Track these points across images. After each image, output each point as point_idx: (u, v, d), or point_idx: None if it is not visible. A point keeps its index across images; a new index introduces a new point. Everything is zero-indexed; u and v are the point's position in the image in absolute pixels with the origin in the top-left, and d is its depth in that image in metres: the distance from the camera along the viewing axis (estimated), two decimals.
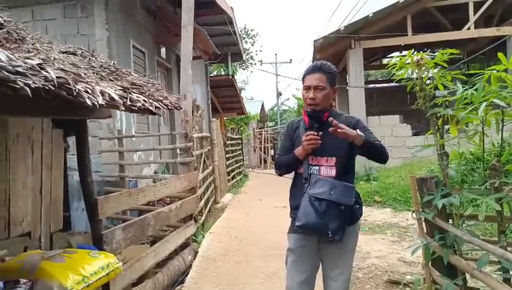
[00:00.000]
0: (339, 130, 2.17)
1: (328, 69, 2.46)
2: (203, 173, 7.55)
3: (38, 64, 1.55)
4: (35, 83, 1.43)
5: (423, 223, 2.76)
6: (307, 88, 2.44)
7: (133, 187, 6.50)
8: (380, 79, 21.66)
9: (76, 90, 1.69)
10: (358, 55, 11.20)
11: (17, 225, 3.47)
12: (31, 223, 3.59)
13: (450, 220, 2.50)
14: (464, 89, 2.24)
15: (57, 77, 1.57)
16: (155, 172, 8.10)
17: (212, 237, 6.19)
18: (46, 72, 1.54)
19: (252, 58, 29.14)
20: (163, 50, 9.28)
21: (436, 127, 2.59)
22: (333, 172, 2.40)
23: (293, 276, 2.50)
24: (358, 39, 11.05)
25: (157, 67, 9.01)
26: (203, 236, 6.13)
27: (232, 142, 14.68)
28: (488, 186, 2.16)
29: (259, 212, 8.22)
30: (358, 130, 2.24)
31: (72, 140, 3.59)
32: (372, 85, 17.94)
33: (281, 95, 33.01)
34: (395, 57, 12.80)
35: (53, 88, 1.53)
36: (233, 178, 13.55)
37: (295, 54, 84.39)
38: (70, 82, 1.65)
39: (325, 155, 2.43)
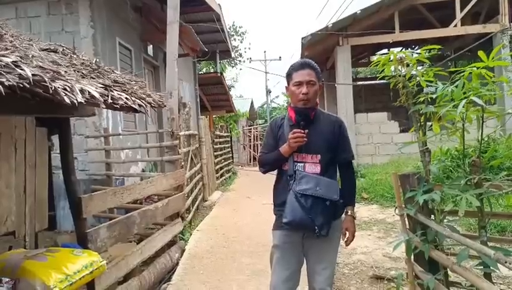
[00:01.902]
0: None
1: (314, 66, 2.52)
2: (191, 171, 7.53)
3: (13, 61, 1.53)
4: (9, 81, 1.41)
5: (406, 219, 2.79)
6: (299, 84, 2.46)
7: (120, 185, 6.46)
8: (369, 76, 21.76)
9: (53, 88, 1.67)
10: (346, 52, 11.23)
11: (1, 224, 3.42)
12: (15, 222, 3.55)
13: (432, 216, 2.53)
14: (445, 86, 2.26)
15: (32, 75, 1.56)
16: (143, 170, 8.06)
17: (200, 234, 6.18)
18: (21, 69, 1.52)
19: (240, 55, 29.04)
20: (150, 48, 9.22)
21: (419, 124, 2.61)
22: (318, 169, 2.44)
23: (279, 272, 2.52)
24: (346, 36, 11.08)
25: (144, 64, 8.95)
26: (191, 234, 6.12)
27: (220, 139, 14.65)
28: (469, 182, 2.18)
29: (248, 210, 8.24)
30: (351, 215, 2.57)
31: (56, 139, 3.55)
32: (360, 82, 18.01)
33: (270, 92, 33.05)
34: (378, 55, 12.88)
35: (28, 86, 1.52)
36: (221, 176, 13.53)
37: (284, 51, 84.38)
38: (46, 80, 1.64)
39: (310, 152, 2.47)
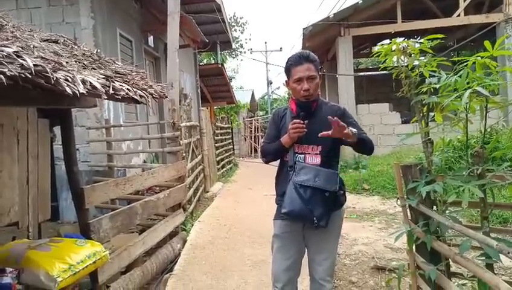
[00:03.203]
0: (341, 128, 2.20)
1: (313, 58, 2.47)
2: (192, 162, 7.53)
3: (15, 52, 1.52)
4: (11, 71, 1.40)
5: (407, 210, 2.79)
6: (299, 80, 2.43)
7: (122, 177, 6.47)
8: (371, 67, 21.69)
9: (55, 78, 1.66)
10: (348, 43, 11.18)
11: (4, 215, 3.44)
12: (18, 213, 3.57)
13: (434, 206, 2.53)
14: (449, 76, 2.24)
15: (34, 65, 1.55)
16: (144, 161, 8.07)
17: (201, 225, 6.20)
18: (22, 60, 1.51)
19: (241, 46, 28.96)
20: (151, 39, 9.19)
21: (421, 115, 2.60)
22: (318, 160, 2.44)
23: (279, 262, 2.54)
24: (348, 27, 11.02)
25: (145, 56, 8.92)
26: (192, 225, 6.14)
27: (221, 131, 14.64)
28: (471, 173, 2.17)
29: (249, 201, 8.25)
30: (351, 128, 2.27)
31: (58, 130, 3.55)
32: (362, 73, 17.96)
33: (271, 83, 32.98)
34: (379, 45, 12.79)
35: (30, 76, 1.51)
36: (223, 167, 13.54)
37: (285, 42, 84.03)
38: (48, 70, 1.63)
39: (311, 143, 2.46)
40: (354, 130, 2.30)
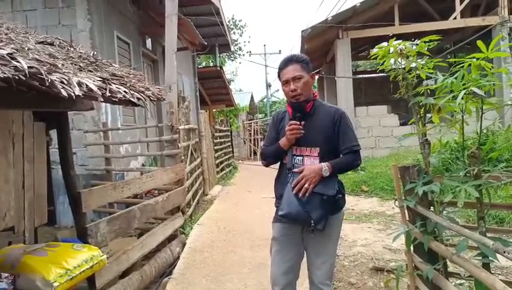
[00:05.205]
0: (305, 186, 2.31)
1: (299, 58, 2.50)
2: (191, 165, 7.52)
3: (9, 54, 1.52)
4: (5, 73, 1.40)
5: (405, 210, 2.79)
6: (286, 82, 2.47)
7: (120, 180, 6.45)
8: (369, 69, 21.70)
9: (49, 81, 1.66)
10: (346, 45, 11.20)
11: None
12: (14, 217, 3.54)
13: (432, 207, 2.53)
14: (445, 77, 2.25)
15: (28, 67, 1.54)
16: (143, 165, 8.06)
17: (201, 228, 6.19)
18: (16, 62, 1.51)
19: (240, 49, 29.02)
20: (149, 41, 9.19)
21: (419, 116, 2.60)
22: (316, 162, 2.43)
23: (278, 265, 2.52)
24: (346, 29, 11.05)
25: (143, 58, 8.92)
26: (191, 228, 6.13)
27: (220, 134, 14.62)
28: (468, 174, 2.18)
29: (248, 203, 8.24)
30: (323, 166, 2.34)
31: (54, 133, 3.53)
32: (360, 75, 17.98)
33: (270, 86, 32.97)
34: (377, 47, 12.85)
35: (24, 78, 1.50)
36: (222, 170, 13.52)
37: (284, 45, 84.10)
38: (43, 72, 1.62)
39: (309, 146, 2.46)
40: (325, 165, 2.35)
